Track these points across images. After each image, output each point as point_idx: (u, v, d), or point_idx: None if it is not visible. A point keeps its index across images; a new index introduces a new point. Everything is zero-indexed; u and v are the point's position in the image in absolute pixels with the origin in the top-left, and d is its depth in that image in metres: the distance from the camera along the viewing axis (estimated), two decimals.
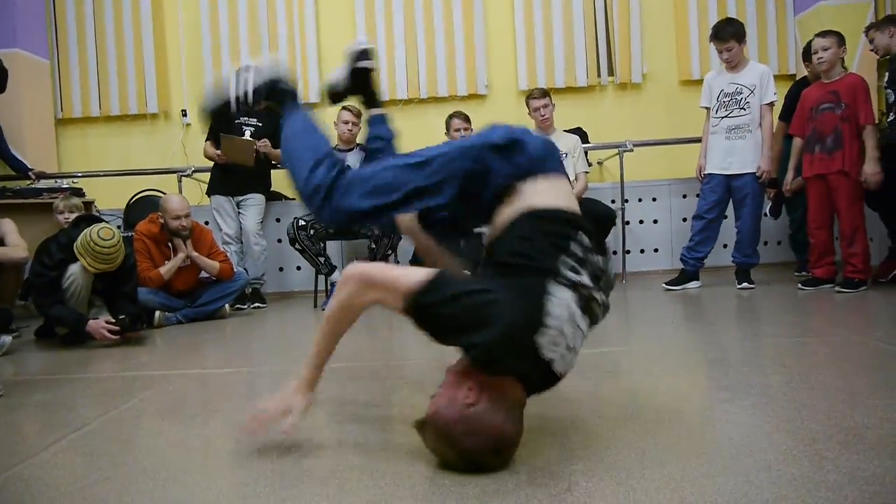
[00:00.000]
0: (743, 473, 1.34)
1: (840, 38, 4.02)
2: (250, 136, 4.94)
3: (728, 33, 4.31)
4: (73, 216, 4.01)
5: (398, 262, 5.32)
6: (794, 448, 1.47)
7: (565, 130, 5.15)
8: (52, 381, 2.73)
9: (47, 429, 2.02)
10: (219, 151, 5.00)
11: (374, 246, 4.55)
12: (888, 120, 4.08)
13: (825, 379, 2.05)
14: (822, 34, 4.06)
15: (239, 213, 5.05)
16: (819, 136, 4.05)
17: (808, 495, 1.23)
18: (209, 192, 5.13)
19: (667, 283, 4.55)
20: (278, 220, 5.48)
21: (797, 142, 4.28)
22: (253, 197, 5.03)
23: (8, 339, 3.45)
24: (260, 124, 5.01)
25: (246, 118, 5.02)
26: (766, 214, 4.73)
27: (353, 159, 4.94)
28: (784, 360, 2.37)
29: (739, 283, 4.37)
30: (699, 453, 1.48)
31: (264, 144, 4.85)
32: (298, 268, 5.55)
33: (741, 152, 4.36)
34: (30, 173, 5.30)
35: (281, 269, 5.54)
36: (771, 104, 4.32)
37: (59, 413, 2.20)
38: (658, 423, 1.70)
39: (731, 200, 4.49)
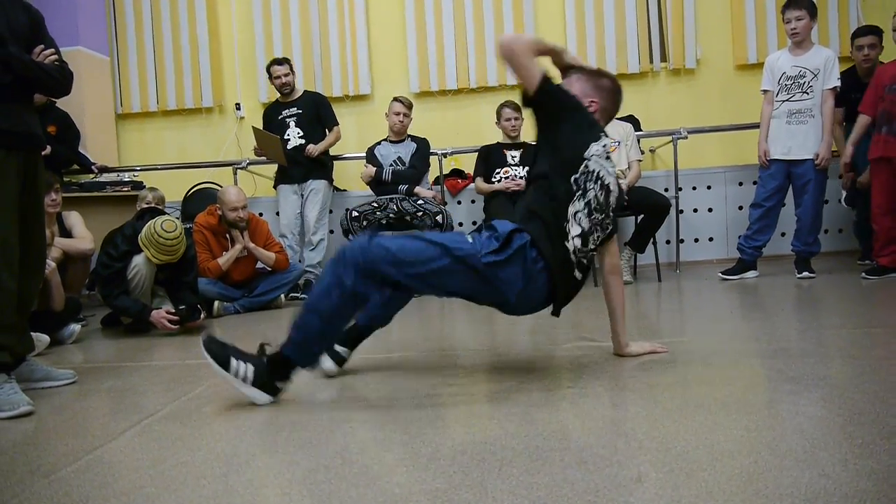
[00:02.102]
0: (818, 467, 1.32)
1: None
2: (295, 125, 5.05)
3: (803, 3, 4.15)
4: (149, 206, 4.13)
5: None
6: (871, 441, 1.43)
7: (617, 118, 5.07)
8: (121, 369, 2.82)
9: (121, 414, 2.09)
10: (255, 146, 5.13)
11: None
12: None
13: None
14: None
15: (305, 200, 5.14)
16: (889, 117, 3.90)
17: (889, 489, 1.20)
18: (276, 185, 5.24)
19: (723, 273, 4.46)
20: (331, 211, 5.54)
21: (863, 118, 4.11)
22: (316, 184, 5.11)
23: (77, 327, 3.58)
24: (301, 111, 5.11)
25: (288, 110, 5.11)
26: (840, 202, 4.61)
27: (403, 151, 4.98)
28: (852, 352, 2.31)
29: (799, 273, 4.26)
30: (771, 446, 1.46)
31: (312, 150, 5.02)
32: None
33: (802, 137, 4.23)
34: (93, 167, 5.47)
35: None
36: (834, 89, 4.18)
37: (131, 399, 2.28)
38: (725, 414, 1.68)
39: (790, 187, 4.37)
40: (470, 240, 2.02)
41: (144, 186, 5.22)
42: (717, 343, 2.60)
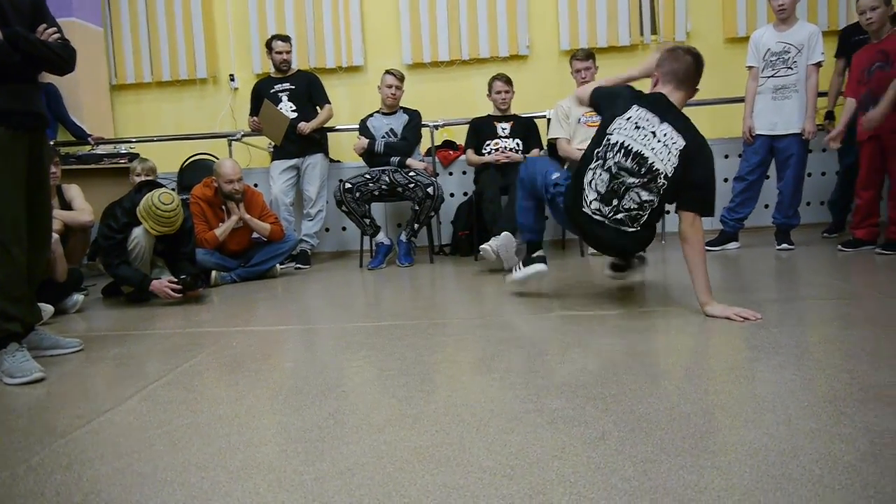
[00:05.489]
0: (764, 427, 1.46)
1: None
2: (287, 100, 5.14)
3: None
4: (146, 179, 4.21)
5: (440, 223, 5.46)
6: (815, 404, 1.57)
7: None
8: (124, 337, 2.96)
9: (127, 380, 2.22)
10: (255, 118, 5.20)
11: (417, 208, 4.69)
12: None
13: (853, 340, 2.13)
14: None
15: (303, 175, 5.27)
16: (874, 97, 3.99)
17: (822, 446, 1.34)
18: (273, 160, 5.34)
19: (706, 244, 4.57)
20: None
21: (850, 102, 4.22)
22: (313, 159, 5.26)
23: (80, 297, 3.71)
24: (294, 87, 5.19)
25: (280, 85, 5.19)
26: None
27: (395, 123, 5.06)
28: (815, 322, 2.45)
29: (779, 244, 4.40)
30: (724, 408, 1.60)
31: (303, 128, 5.10)
32: (344, 228, 5.74)
33: (787, 113, 4.33)
34: (89, 139, 5.54)
35: (327, 230, 5.73)
36: (818, 64, 4.27)
37: (136, 366, 2.42)
38: (688, 379, 1.82)
39: (773, 161, 4.49)
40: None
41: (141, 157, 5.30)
42: (694, 313, 2.73)
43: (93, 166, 5.14)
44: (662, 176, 2.65)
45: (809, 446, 1.34)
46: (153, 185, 3.91)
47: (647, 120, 2.69)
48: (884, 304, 2.66)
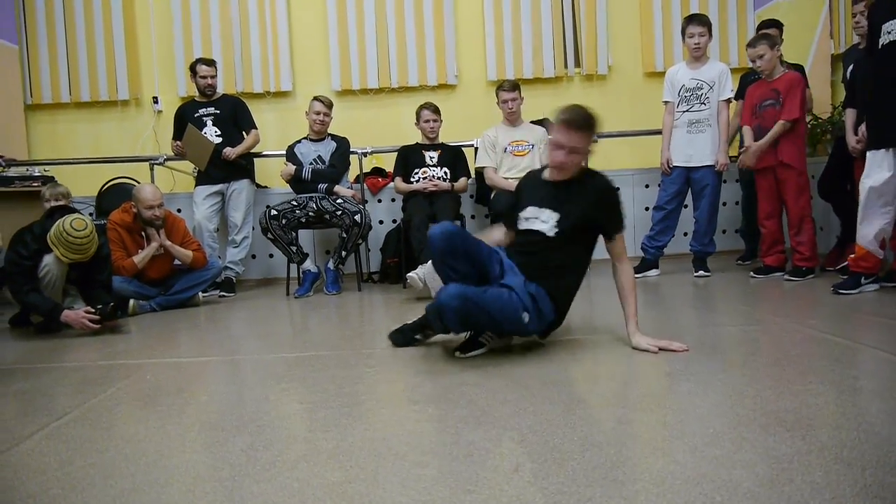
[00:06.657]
0: (671, 454, 1.50)
1: (771, 41, 4.20)
2: (212, 125, 5.06)
3: (705, 20, 4.56)
4: (59, 204, 4.04)
5: (369, 250, 5.45)
6: (720, 431, 1.63)
7: (532, 121, 5.27)
8: (31, 370, 2.81)
9: (29, 417, 2.11)
10: (179, 142, 5.09)
11: (344, 236, 4.66)
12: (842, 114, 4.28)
13: (758, 366, 2.23)
14: (752, 43, 4.25)
15: (228, 201, 5.17)
16: (763, 132, 4.24)
17: (725, 473, 1.39)
18: (197, 185, 5.21)
19: None
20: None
21: (746, 129, 4.44)
22: (238, 185, 5.16)
23: None
24: (218, 111, 5.12)
25: (205, 109, 5.10)
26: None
27: (323, 149, 5.04)
28: (725, 348, 2.55)
29: (696, 271, 4.57)
30: (635, 437, 1.64)
31: (229, 153, 5.03)
32: (271, 255, 5.64)
33: (701, 146, 4.54)
34: (0, 161, 5.30)
35: (254, 257, 5.62)
36: (728, 100, 4.50)
37: (40, 401, 2.30)
38: (601, 408, 1.86)
39: (689, 191, 4.67)
40: (526, 320, 2.50)
41: (55, 181, 5.09)
42: (612, 340, 2.81)
43: (3, 189, 4.90)
44: None
45: (713, 473, 1.39)
46: (66, 210, 3.76)
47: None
48: (787, 330, 2.79)
